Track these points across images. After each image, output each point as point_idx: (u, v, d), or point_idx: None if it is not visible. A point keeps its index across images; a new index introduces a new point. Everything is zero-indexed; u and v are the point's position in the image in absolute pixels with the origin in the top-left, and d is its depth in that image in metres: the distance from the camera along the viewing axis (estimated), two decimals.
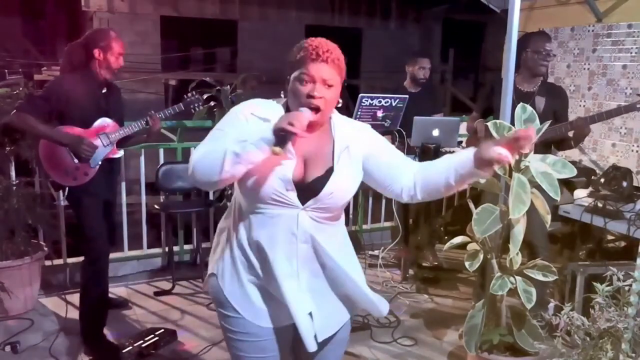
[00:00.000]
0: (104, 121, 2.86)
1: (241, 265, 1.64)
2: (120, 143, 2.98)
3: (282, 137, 1.45)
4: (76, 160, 2.79)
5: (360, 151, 1.66)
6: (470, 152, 1.55)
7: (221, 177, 1.47)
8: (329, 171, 1.60)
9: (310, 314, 1.63)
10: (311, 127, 1.55)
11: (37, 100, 2.74)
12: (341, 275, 1.68)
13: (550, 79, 4.23)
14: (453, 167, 1.57)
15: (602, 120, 2.99)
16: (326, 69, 1.53)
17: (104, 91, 2.86)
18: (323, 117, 1.58)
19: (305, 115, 1.49)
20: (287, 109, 1.60)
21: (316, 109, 1.54)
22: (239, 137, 1.47)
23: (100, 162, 2.85)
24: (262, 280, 1.63)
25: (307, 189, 1.58)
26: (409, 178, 1.65)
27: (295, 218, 1.58)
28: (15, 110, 2.71)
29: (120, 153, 3.00)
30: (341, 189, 1.61)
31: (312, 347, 1.60)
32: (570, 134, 2.97)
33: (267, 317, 1.65)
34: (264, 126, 1.51)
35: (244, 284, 1.63)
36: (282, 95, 1.63)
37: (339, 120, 1.67)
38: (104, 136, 2.85)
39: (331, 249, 1.65)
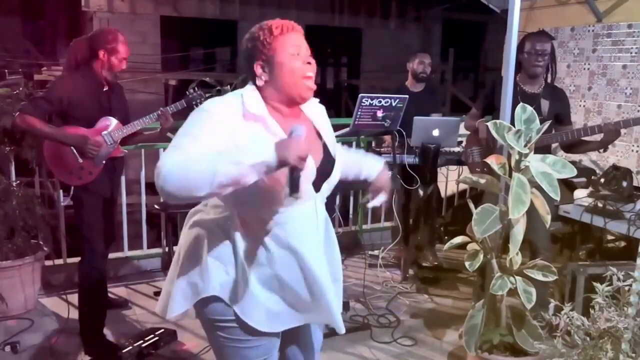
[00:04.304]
0: (107, 120, 2.85)
1: (254, 277, 1.56)
2: (127, 141, 2.98)
3: (293, 177, 1.38)
4: (81, 160, 2.79)
5: (325, 122, 1.71)
6: (373, 172, 1.84)
7: (205, 195, 1.34)
8: (325, 150, 1.63)
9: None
10: (297, 113, 1.59)
11: (39, 101, 2.73)
12: (336, 259, 1.74)
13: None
14: (361, 172, 1.84)
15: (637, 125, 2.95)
16: (301, 38, 1.56)
17: (105, 89, 2.85)
18: None
19: (303, 137, 1.37)
20: (273, 99, 1.55)
21: (313, 90, 1.56)
22: (227, 156, 1.34)
23: (104, 161, 2.86)
24: (277, 287, 1.58)
25: (318, 175, 1.57)
26: None
27: (314, 208, 1.59)
28: (18, 112, 2.71)
29: (124, 152, 3.00)
30: (341, 161, 1.66)
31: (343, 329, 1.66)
32: (597, 137, 2.97)
33: (284, 320, 1.63)
34: (261, 141, 1.42)
35: (259, 299, 1.57)
36: (253, 84, 1.56)
37: None
38: (107, 135, 2.85)
39: (331, 228, 1.72)
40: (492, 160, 2.34)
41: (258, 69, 1.54)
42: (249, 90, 1.56)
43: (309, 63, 1.54)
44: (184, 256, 1.66)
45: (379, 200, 1.84)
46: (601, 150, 3.00)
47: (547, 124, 2.29)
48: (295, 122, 1.52)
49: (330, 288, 1.61)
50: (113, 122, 2.87)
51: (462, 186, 4.82)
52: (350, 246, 4.47)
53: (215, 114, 1.47)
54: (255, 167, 1.32)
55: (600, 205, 3.05)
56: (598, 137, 2.97)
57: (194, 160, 1.34)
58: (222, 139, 1.43)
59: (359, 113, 3.12)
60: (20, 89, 3.52)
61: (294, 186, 1.38)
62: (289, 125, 1.43)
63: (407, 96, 3.25)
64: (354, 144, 4.19)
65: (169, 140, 4.01)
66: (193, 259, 1.62)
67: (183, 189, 1.33)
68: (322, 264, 1.60)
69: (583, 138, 2.99)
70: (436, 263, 4.15)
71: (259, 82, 1.55)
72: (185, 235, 1.70)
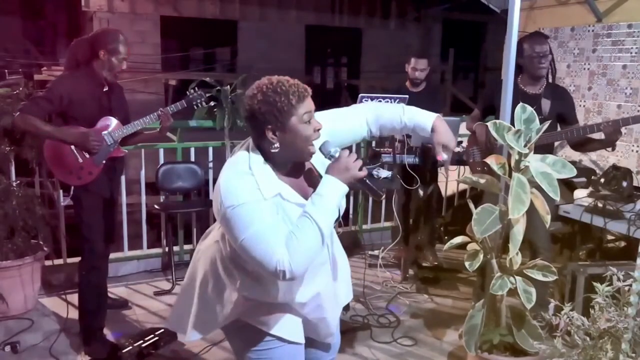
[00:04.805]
0: (107, 120, 2.85)
1: (282, 305, 1.69)
2: (127, 141, 2.98)
3: (366, 186, 1.55)
4: (81, 160, 2.79)
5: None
6: (429, 124, 1.87)
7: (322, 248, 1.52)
8: None
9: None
10: (299, 171, 1.63)
11: (40, 101, 2.73)
12: (344, 265, 1.91)
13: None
14: (412, 126, 1.88)
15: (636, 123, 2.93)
16: (311, 101, 1.56)
17: (105, 89, 2.85)
18: None
19: (340, 149, 1.58)
20: (279, 161, 1.57)
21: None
22: (314, 212, 1.48)
23: (104, 161, 2.85)
24: (299, 310, 1.72)
25: None
26: (362, 127, 1.84)
27: (328, 246, 1.70)
28: (19, 112, 2.70)
29: (124, 152, 3.00)
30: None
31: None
32: (598, 135, 2.95)
33: (302, 332, 1.76)
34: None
35: (290, 317, 1.71)
36: (273, 148, 1.53)
37: None
38: (107, 135, 2.84)
39: (339, 245, 1.88)
40: (492, 160, 2.34)
41: (269, 133, 1.51)
42: (261, 169, 1.53)
43: (317, 130, 1.55)
44: (211, 288, 1.72)
45: (444, 155, 1.88)
46: (609, 149, 2.98)
47: (546, 124, 2.28)
48: (299, 173, 1.64)
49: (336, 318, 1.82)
50: (113, 122, 2.87)
51: (462, 186, 4.82)
52: (350, 246, 4.47)
53: (253, 202, 1.48)
54: (337, 200, 1.50)
55: (600, 205, 3.05)
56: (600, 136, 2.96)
57: (297, 240, 1.46)
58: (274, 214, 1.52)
59: None
60: (20, 89, 3.52)
61: (374, 192, 1.56)
62: (298, 182, 1.60)
63: (407, 96, 3.26)
64: (353, 145, 4.18)
65: (169, 140, 4.05)
66: (215, 289, 1.71)
67: (311, 260, 1.50)
68: (332, 296, 1.77)
69: (589, 135, 2.97)
70: (436, 263, 4.16)
71: (272, 149, 1.53)
72: (203, 264, 1.75)
